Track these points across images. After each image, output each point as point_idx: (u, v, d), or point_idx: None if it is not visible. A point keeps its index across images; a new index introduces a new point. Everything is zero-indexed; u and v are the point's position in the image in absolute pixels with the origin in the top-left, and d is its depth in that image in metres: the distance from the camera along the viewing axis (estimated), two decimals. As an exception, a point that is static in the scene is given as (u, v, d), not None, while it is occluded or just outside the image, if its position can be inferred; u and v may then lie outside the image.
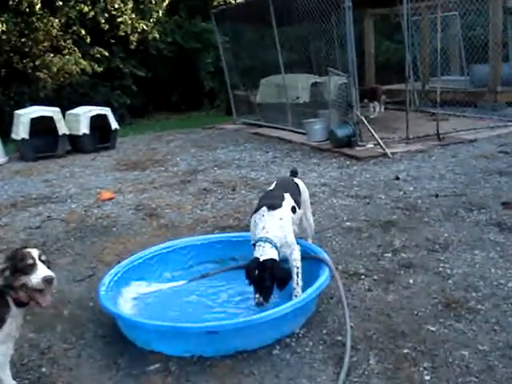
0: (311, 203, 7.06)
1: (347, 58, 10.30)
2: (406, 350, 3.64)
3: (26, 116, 12.17)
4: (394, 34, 19.83)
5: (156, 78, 19.66)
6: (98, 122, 12.64)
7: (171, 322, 3.95)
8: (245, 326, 3.79)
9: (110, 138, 12.90)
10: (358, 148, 10.28)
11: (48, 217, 7.48)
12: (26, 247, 3.35)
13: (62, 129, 12.31)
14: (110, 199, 8.15)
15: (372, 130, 10.14)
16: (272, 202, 4.51)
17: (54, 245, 6.34)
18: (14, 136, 12.50)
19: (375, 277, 4.82)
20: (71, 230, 6.88)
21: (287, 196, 4.61)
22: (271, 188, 4.99)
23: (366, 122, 10.42)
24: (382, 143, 9.89)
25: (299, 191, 4.97)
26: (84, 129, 12.39)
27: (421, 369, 3.43)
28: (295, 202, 4.70)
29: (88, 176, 10.10)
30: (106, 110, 13.05)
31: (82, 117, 12.47)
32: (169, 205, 7.66)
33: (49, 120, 12.16)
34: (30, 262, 3.17)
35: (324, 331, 3.98)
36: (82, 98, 17.09)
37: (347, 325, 3.85)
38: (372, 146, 10.26)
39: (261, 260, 4.05)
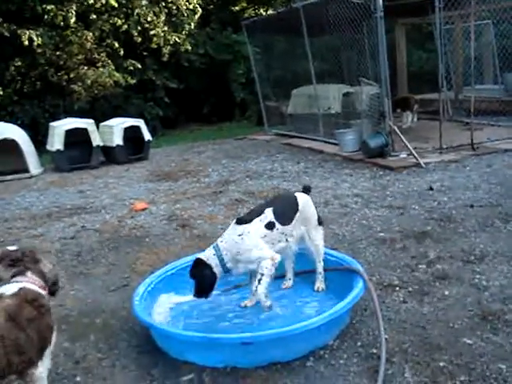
0: (344, 214, 7.11)
1: (379, 67, 10.25)
2: (442, 363, 3.59)
3: (60, 128, 12.38)
4: (425, 43, 19.69)
5: (188, 90, 19.79)
6: (131, 133, 12.78)
7: (205, 333, 3.95)
8: (279, 337, 3.78)
9: (143, 149, 13.02)
10: (390, 158, 10.20)
11: (82, 227, 7.57)
12: None
13: (96, 140, 12.48)
14: (144, 210, 8.22)
15: (405, 140, 10.07)
16: (243, 216, 4.56)
17: (89, 255, 6.42)
18: (48, 147, 12.71)
19: (410, 288, 4.77)
20: (105, 240, 6.96)
21: (268, 211, 4.41)
22: (266, 201, 5.01)
23: (398, 131, 10.35)
24: (415, 153, 9.80)
25: (296, 207, 4.61)
26: (117, 140, 12.54)
27: (457, 382, 3.38)
28: (282, 217, 4.45)
29: (121, 187, 10.21)
30: (139, 122, 13.20)
31: (116, 128, 12.63)
32: (201, 215, 7.70)
33: (83, 132, 12.36)
34: None
35: (358, 343, 3.95)
36: (115, 109, 17.30)
37: (382, 337, 3.80)
38: (405, 156, 10.17)
39: (196, 257, 4.35)
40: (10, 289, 3.14)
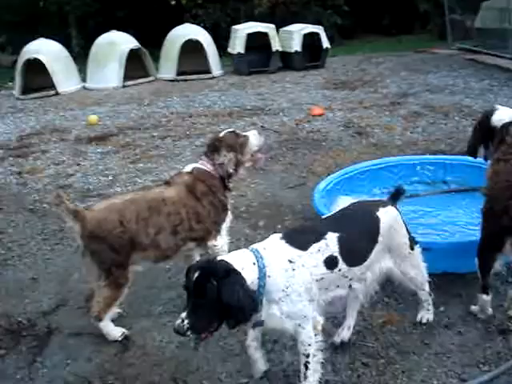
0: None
1: None
2: None
3: (242, 31, 12.64)
4: None
5: (368, -1, 19.18)
6: (309, 40, 12.73)
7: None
8: (458, 246, 3.75)
9: (320, 57, 12.95)
10: None
11: (262, 127, 7.84)
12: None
13: (276, 45, 12.60)
14: (320, 115, 8.32)
15: None
16: (294, 234, 2.93)
17: (268, 153, 6.66)
18: (230, 50, 13.08)
19: None
20: (283, 140, 7.20)
21: (330, 237, 2.83)
22: (323, 217, 3.37)
23: None
24: None
25: (375, 235, 3.02)
26: (296, 46, 12.56)
27: None
28: (351, 253, 2.88)
29: (298, 92, 10.33)
30: (318, 29, 13.07)
31: (296, 34, 12.63)
32: (378, 125, 7.64)
33: (263, 36, 12.53)
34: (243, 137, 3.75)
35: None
36: (293, 16, 17.23)
37: None
38: None
39: (212, 260, 2.69)
40: (187, 168, 3.76)
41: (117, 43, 12.45)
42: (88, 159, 7.18)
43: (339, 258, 2.81)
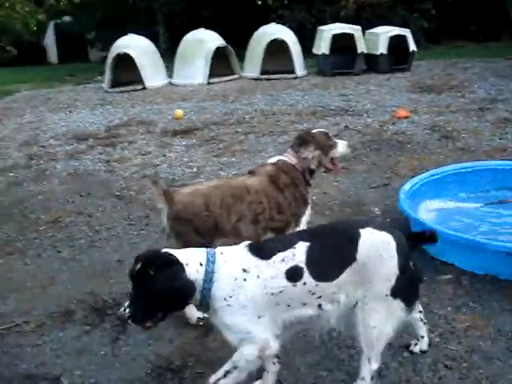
0: None
1: None
2: None
3: (328, 32, 12.62)
4: None
5: (456, 3, 18.65)
6: (395, 43, 12.55)
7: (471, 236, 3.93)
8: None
9: (406, 60, 12.72)
10: None
11: (345, 127, 7.85)
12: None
13: (361, 47, 12.51)
14: (406, 118, 8.21)
15: None
16: (262, 246, 2.75)
17: (351, 153, 6.58)
18: (315, 51, 13.07)
19: None
20: (367, 141, 7.16)
21: (300, 246, 2.60)
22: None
23: None
24: None
25: (351, 252, 2.61)
26: (382, 49, 12.41)
27: None
28: (319, 265, 2.59)
29: (383, 94, 10.21)
30: (405, 31, 12.87)
31: (382, 36, 12.48)
32: (465, 129, 7.47)
33: (349, 37, 12.45)
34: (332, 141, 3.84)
35: None
36: (379, 18, 17.02)
37: None
38: None
39: (156, 252, 2.64)
40: (271, 160, 3.84)
41: (204, 41, 12.72)
42: (173, 151, 7.38)
43: (305, 269, 2.56)
